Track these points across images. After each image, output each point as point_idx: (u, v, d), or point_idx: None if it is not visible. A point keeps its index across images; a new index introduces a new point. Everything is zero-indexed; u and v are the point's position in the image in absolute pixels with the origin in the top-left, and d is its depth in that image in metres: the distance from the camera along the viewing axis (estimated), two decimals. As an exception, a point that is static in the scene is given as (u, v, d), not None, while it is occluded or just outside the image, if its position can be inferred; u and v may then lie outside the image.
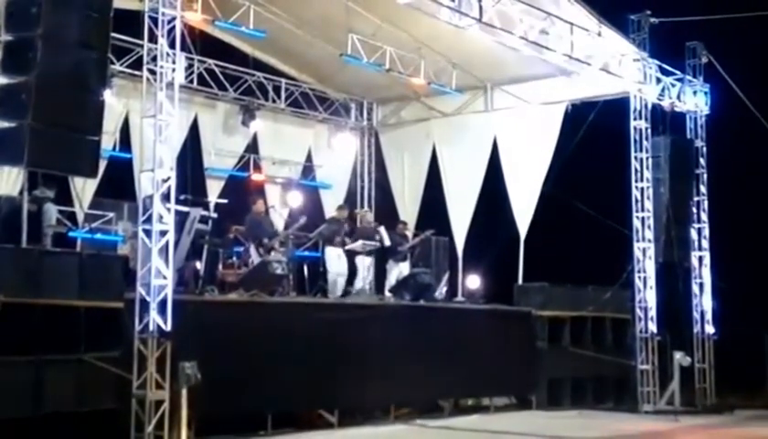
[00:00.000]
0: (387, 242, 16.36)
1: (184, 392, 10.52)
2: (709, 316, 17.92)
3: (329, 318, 13.55)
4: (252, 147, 18.73)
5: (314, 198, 19.63)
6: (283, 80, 18.89)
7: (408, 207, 19.89)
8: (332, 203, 18.79)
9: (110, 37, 10.59)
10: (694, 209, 17.98)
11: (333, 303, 14.84)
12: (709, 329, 17.84)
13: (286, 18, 16.33)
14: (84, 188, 14.57)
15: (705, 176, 18.17)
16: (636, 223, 16.93)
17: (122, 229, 14.43)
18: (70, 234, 14.07)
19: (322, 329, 13.21)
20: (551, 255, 18.44)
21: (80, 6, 10.14)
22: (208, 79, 17.39)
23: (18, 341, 9.71)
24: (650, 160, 16.99)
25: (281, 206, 18.53)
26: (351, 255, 16.00)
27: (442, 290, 17.31)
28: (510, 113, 18.68)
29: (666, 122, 17.41)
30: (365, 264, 16.12)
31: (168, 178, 10.79)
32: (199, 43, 15.14)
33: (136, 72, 14.34)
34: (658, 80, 17.34)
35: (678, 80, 17.80)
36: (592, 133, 16.98)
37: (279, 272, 14.37)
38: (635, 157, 16.96)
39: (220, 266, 14.82)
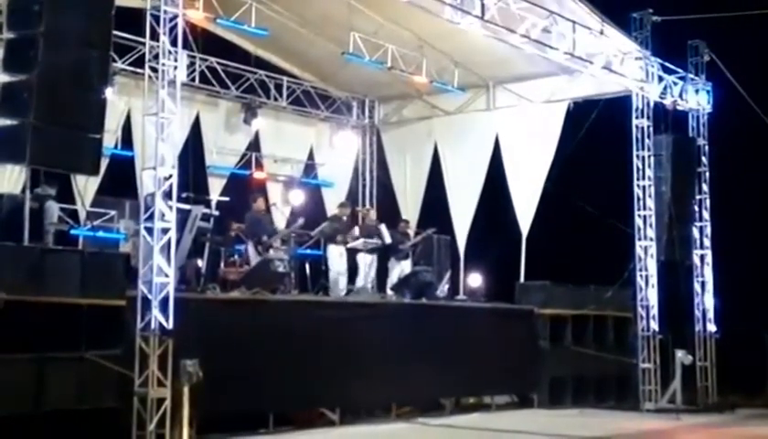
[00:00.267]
0: (387, 240, 16.35)
1: (185, 390, 10.52)
2: (710, 315, 17.91)
3: (331, 316, 13.55)
4: (254, 145, 18.73)
5: (316, 197, 19.64)
6: (285, 78, 18.89)
7: (410, 205, 19.89)
8: (334, 201, 18.80)
9: (111, 35, 10.61)
10: (696, 208, 17.97)
11: (334, 301, 14.84)
12: (711, 328, 17.84)
13: (288, 16, 16.33)
14: (86, 186, 14.52)
15: (707, 174, 18.15)
16: (638, 222, 16.92)
17: (124, 227, 14.45)
18: (72, 232, 14.06)
19: (323, 327, 13.21)
20: (553, 254, 18.44)
21: (82, 4, 10.15)
22: (209, 77, 17.39)
23: (20, 339, 9.70)
24: (652, 158, 16.99)
25: (282, 204, 18.54)
26: (352, 253, 16.00)
27: (443, 288, 17.31)
28: (512, 112, 18.69)
29: (668, 120, 17.41)
30: (366, 262, 16.11)
31: (170, 176, 10.79)
32: (201, 41, 15.14)
33: (138, 70, 14.34)
34: (660, 79, 17.33)
35: (681, 78, 17.79)
36: (594, 132, 16.97)
37: (281, 270, 14.38)
38: (637, 156, 16.95)
39: (222, 264, 14.84)
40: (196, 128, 17.38)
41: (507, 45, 15.26)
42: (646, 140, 16.97)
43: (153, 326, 10.40)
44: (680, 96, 17.76)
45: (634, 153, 16.95)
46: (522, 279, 17.87)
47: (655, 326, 16.69)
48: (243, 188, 17.79)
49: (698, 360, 17.37)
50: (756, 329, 18.21)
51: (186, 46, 11.97)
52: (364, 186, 20.64)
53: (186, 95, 14.13)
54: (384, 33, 16.35)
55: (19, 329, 9.68)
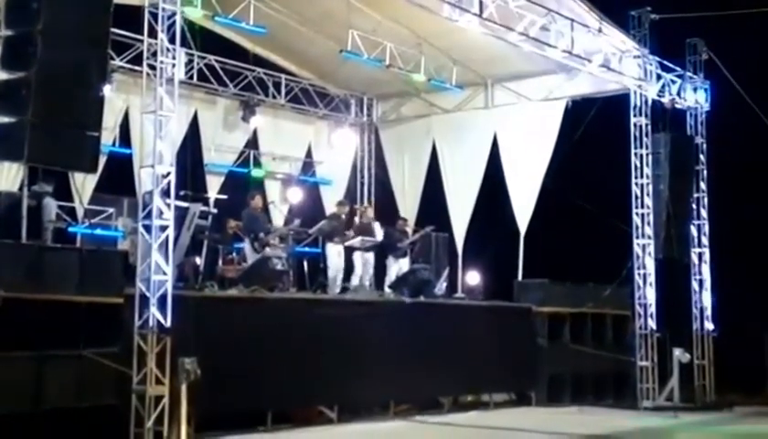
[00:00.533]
0: (379, 238, 16.33)
1: (183, 388, 10.51)
2: (708, 313, 17.94)
3: (329, 315, 13.54)
4: (252, 143, 18.73)
5: (314, 195, 19.64)
6: (283, 76, 18.88)
7: (408, 203, 19.89)
8: (332, 199, 18.80)
9: (110, 33, 10.58)
10: (694, 206, 17.98)
11: (333, 299, 14.84)
12: (709, 326, 17.86)
13: (287, 14, 16.31)
14: (84, 184, 14.50)
15: (705, 172, 18.18)
16: (636, 220, 16.94)
17: (122, 224, 14.44)
18: (70, 230, 14.05)
19: (322, 325, 13.21)
20: (551, 252, 18.45)
21: (81, 2, 10.13)
22: (208, 74, 17.37)
23: (18, 337, 9.69)
24: (650, 157, 17.00)
25: (280, 202, 18.54)
26: (349, 251, 15.99)
27: (441, 286, 17.30)
28: (510, 110, 18.70)
29: (666, 118, 17.42)
30: (362, 260, 16.08)
31: (168, 174, 10.78)
32: (199, 39, 15.12)
33: (136, 68, 14.35)
34: (659, 77, 17.35)
35: (679, 76, 17.80)
36: (593, 130, 16.98)
37: (279, 268, 14.36)
38: (635, 154, 16.97)
39: (220, 262, 14.84)
40: (194, 126, 17.37)
41: (506, 43, 15.26)
42: (644, 138, 16.99)
43: (151, 323, 10.40)
44: (678, 94, 17.78)
45: (633, 151, 16.96)
46: (520, 277, 17.88)
47: (653, 324, 16.70)
48: (241, 186, 17.77)
49: (695, 359, 17.41)
50: (754, 327, 18.23)
51: (184, 43, 11.94)
52: (362, 183, 20.65)
53: (184, 93, 14.09)
54: (382, 31, 16.35)
55: (17, 327, 9.67)
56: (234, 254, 15.07)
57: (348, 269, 16.06)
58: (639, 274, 16.84)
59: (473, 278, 18.53)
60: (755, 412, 16.16)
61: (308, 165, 19.88)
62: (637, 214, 16.95)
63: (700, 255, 18.09)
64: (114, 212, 14.85)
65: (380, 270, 16.69)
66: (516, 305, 17.04)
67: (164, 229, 10.64)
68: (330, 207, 18.27)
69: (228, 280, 14.20)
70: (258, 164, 18.80)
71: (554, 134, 17.87)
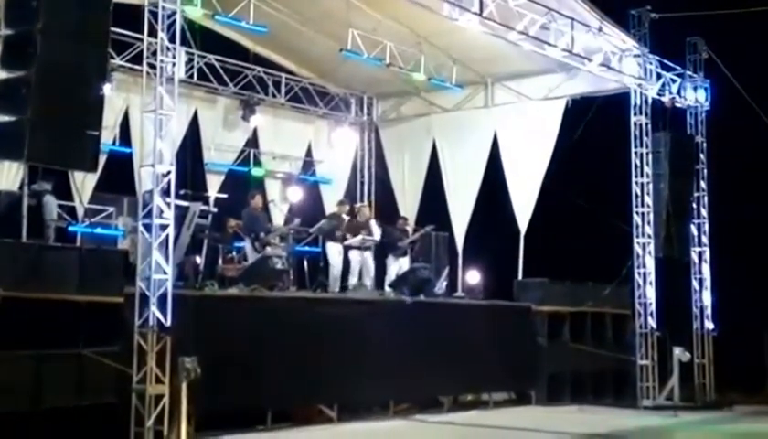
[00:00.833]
0: (376, 237, 16.33)
1: (184, 387, 10.51)
2: (708, 312, 17.94)
3: (329, 313, 13.54)
4: (252, 142, 18.72)
5: (315, 194, 19.63)
6: (283, 75, 18.88)
7: (408, 202, 19.88)
8: (332, 198, 18.80)
9: (110, 32, 10.58)
10: (694, 205, 17.98)
11: (332, 298, 14.85)
12: (709, 325, 17.86)
13: (287, 13, 16.31)
14: (84, 183, 14.50)
15: (705, 171, 18.18)
16: (636, 219, 16.94)
17: (122, 223, 14.44)
18: (70, 229, 14.08)
19: (322, 324, 13.21)
20: (551, 251, 18.45)
21: (80, 1, 10.12)
22: (208, 73, 17.37)
23: (18, 336, 9.69)
24: (650, 156, 17.00)
25: (281, 201, 18.54)
26: (346, 250, 15.99)
27: (441, 285, 17.30)
28: (510, 109, 18.70)
29: (666, 117, 17.42)
30: (359, 259, 16.05)
31: (168, 173, 10.78)
32: (199, 38, 15.12)
33: (136, 67, 14.35)
34: (659, 76, 17.36)
35: (679, 75, 17.80)
36: (593, 129, 16.97)
37: (279, 267, 14.37)
38: (635, 153, 16.98)
39: (220, 261, 14.85)
40: (194, 125, 17.37)
41: (506, 42, 15.26)
42: (645, 137, 16.99)
43: (151, 322, 10.40)
44: (678, 93, 17.78)
45: (633, 150, 16.97)
46: (520, 276, 17.88)
47: (653, 323, 16.70)
48: (241, 185, 17.77)
49: (695, 358, 17.42)
50: (754, 326, 18.23)
51: (184, 42, 11.94)
52: (362, 183, 20.64)
53: (184, 92, 14.10)
54: (382, 30, 16.34)
55: (17, 326, 9.67)
56: (234, 253, 15.08)
57: (345, 267, 16.06)
58: (639, 273, 16.84)
59: (473, 277, 18.53)
60: (755, 412, 16.16)
61: (308, 165, 19.87)
62: (637, 213, 16.95)
63: (700, 254, 18.10)
64: (114, 211, 14.86)
65: (380, 269, 16.69)
66: (515, 304, 17.05)
67: (164, 228, 10.64)
68: (330, 206, 18.27)
69: (228, 279, 14.21)
70: (258, 163, 18.80)
71: (554, 133, 17.87)
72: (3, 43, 9.97)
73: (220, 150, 18.18)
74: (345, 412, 13.64)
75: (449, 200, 19.30)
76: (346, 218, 16.41)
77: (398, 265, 16.72)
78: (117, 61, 15.15)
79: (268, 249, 14.65)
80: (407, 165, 20.12)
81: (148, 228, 10.61)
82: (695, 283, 18.05)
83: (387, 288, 16.38)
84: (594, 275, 17.56)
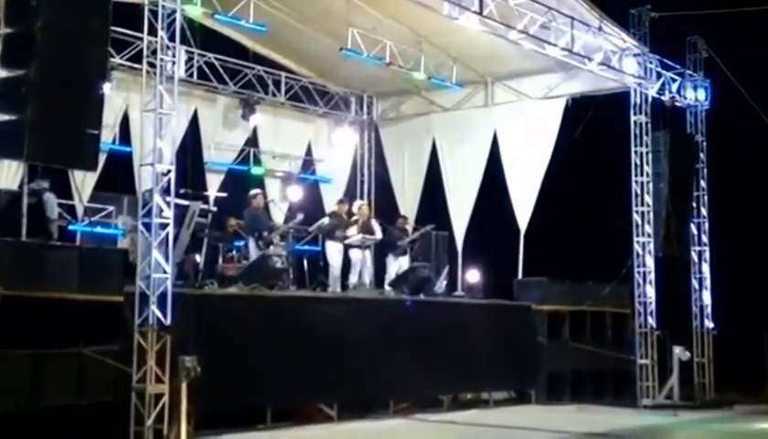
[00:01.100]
0: (378, 236, 16.34)
1: (183, 386, 10.51)
2: (708, 311, 17.94)
3: (329, 312, 13.54)
4: (252, 141, 18.70)
5: (314, 193, 19.61)
6: (283, 74, 18.86)
7: (408, 201, 19.87)
8: (332, 197, 18.78)
9: (110, 31, 10.58)
10: (694, 204, 17.98)
11: (332, 297, 14.84)
12: (709, 324, 17.86)
13: (286, 12, 16.29)
14: (84, 182, 14.50)
15: (705, 170, 18.18)
16: (636, 218, 16.94)
17: (122, 222, 14.43)
18: (70, 228, 14.07)
19: (322, 323, 13.21)
20: (551, 250, 18.45)
21: (80, 0, 10.12)
22: (208, 72, 17.35)
23: (18, 335, 9.70)
24: (650, 155, 17.00)
25: (281, 200, 18.53)
26: (347, 248, 15.99)
27: (441, 284, 17.31)
28: (510, 108, 18.68)
29: (666, 116, 17.42)
30: (359, 258, 16.05)
31: (168, 172, 10.79)
32: (199, 37, 15.11)
33: (136, 66, 14.32)
34: (659, 75, 17.36)
35: (679, 74, 17.80)
36: (593, 128, 16.97)
37: (279, 265, 14.37)
38: (635, 152, 16.97)
39: (220, 260, 14.84)
40: (194, 124, 17.35)
41: (506, 41, 15.25)
42: (645, 136, 16.99)
43: (151, 321, 10.41)
44: (678, 92, 17.78)
45: (633, 149, 16.96)
46: (520, 275, 17.87)
47: (652, 322, 16.70)
48: (241, 184, 17.77)
49: (695, 357, 17.42)
50: (754, 326, 18.23)
51: (184, 41, 11.94)
52: (362, 182, 20.62)
53: (183, 91, 14.09)
54: (382, 29, 16.33)
55: (17, 325, 9.67)
56: (234, 252, 15.07)
57: (345, 266, 16.06)
58: (639, 272, 16.84)
59: (472, 276, 18.52)
60: (755, 411, 16.15)
61: (308, 164, 19.85)
62: (637, 212, 16.95)
63: (700, 253, 18.10)
64: (114, 210, 14.84)
65: (380, 268, 16.69)
66: (515, 303, 17.05)
67: (164, 227, 10.65)
68: (330, 205, 18.26)
69: (228, 278, 14.20)
70: (258, 162, 18.79)
71: (554, 133, 17.85)
72: (3, 42, 9.97)
73: (220, 149, 18.17)
74: (344, 411, 13.64)
75: (449, 199, 19.30)
76: (347, 217, 16.42)
77: (397, 264, 16.71)
78: (117, 60, 15.13)
79: (270, 247, 14.66)
80: (407, 164, 20.10)
81: (148, 227, 10.62)
82: (695, 283, 18.06)
83: (386, 287, 16.38)
84: (594, 274, 17.56)
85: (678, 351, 16.63)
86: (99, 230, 14.34)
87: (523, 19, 14.75)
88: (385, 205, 19.43)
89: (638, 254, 16.88)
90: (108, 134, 15.07)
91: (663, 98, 17.44)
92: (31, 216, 11.29)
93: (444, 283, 17.49)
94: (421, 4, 14.03)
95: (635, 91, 17.04)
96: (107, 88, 12.75)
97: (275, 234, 15.12)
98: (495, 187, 18.65)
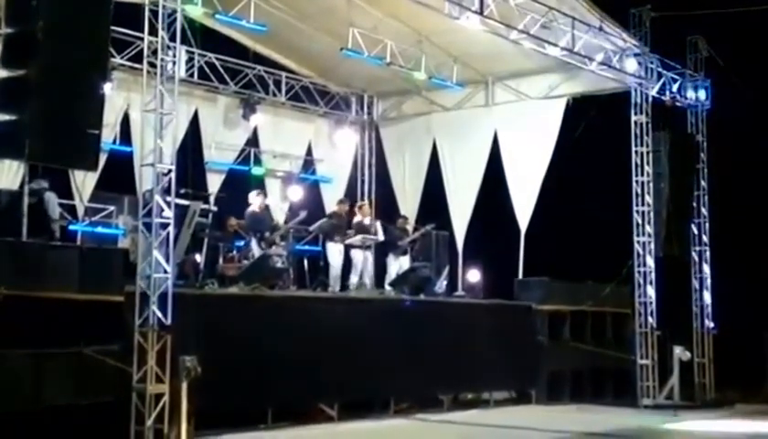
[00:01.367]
0: (380, 238, 16.34)
1: (184, 386, 10.52)
2: (708, 311, 17.94)
3: (329, 312, 13.55)
4: (253, 141, 18.69)
5: (315, 193, 19.61)
6: (284, 74, 18.86)
7: (408, 201, 19.88)
8: (332, 197, 18.78)
9: (110, 31, 10.58)
10: (694, 204, 17.98)
11: (333, 297, 14.86)
12: (709, 324, 17.86)
13: (287, 12, 16.30)
14: (84, 182, 14.50)
15: (705, 170, 18.17)
16: (637, 218, 16.93)
17: (123, 222, 14.43)
18: (71, 228, 14.07)
19: (322, 323, 13.21)
20: (552, 250, 18.44)
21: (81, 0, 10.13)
22: (208, 72, 17.35)
23: (18, 334, 9.71)
24: (650, 155, 16.99)
25: (281, 200, 18.53)
26: (348, 249, 15.99)
27: (442, 284, 17.31)
28: (511, 108, 18.67)
29: (666, 116, 17.41)
30: (361, 258, 16.07)
31: (169, 172, 10.79)
32: (200, 36, 15.11)
33: (137, 65, 14.33)
34: (659, 75, 17.35)
35: (679, 74, 17.80)
36: (593, 128, 16.97)
37: (279, 265, 14.39)
38: (636, 152, 16.97)
39: (221, 260, 14.84)
40: (194, 124, 17.34)
41: (506, 41, 15.24)
42: (645, 136, 16.98)
43: (151, 321, 10.41)
44: (679, 92, 17.78)
45: (633, 149, 16.96)
46: (521, 275, 17.87)
47: (653, 322, 16.69)
48: (242, 184, 17.77)
49: (696, 357, 17.42)
50: (754, 326, 18.22)
51: (184, 41, 11.94)
52: (362, 181, 20.62)
53: (184, 91, 14.11)
54: (383, 28, 16.33)
55: (18, 325, 9.68)
56: (234, 252, 15.07)
57: (347, 266, 16.06)
58: (639, 272, 16.83)
59: (473, 276, 18.51)
60: (756, 411, 16.15)
61: (308, 163, 19.85)
62: (638, 212, 16.94)
63: (701, 253, 18.09)
64: (115, 210, 14.84)
65: (381, 268, 16.70)
66: (516, 303, 17.05)
67: (164, 227, 10.65)
68: (330, 205, 18.26)
69: (228, 278, 14.21)
70: (258, 162, 18.79)
71: (555, 132, 17.84)
72: (3, 42, 9.98)
73: (221, 149, 18.17)
74: (345, 411, 13.63)
75: (449, 199, 19.30)
76: (347, 217, 16.43)
77: (398, 264, 16.71)
78: (117, 60, 15.14)
79: (272, 247, 14.68)
80: (407, 164, 20.11)
81: (148, 226, 10.62)
82: (695, 283, 18.05)
83: (387, 287, 16.39)
84: (595, 274, 17.55)
85: (679, 351, 16.64)
86: (99, 229, 14.35)
87: (524, 19, 14.75)
88: (385, 205, 19.42)
89: (639, 254, 16.86)
90: (108, 134, 15.08)
91: (663, 98, 17.43)
92: (32, 216, 11.28)
93: (445, 282, 17.50)
94: (421, 3, 14.02)
95: (636, 90, 17.03)
96: (107, 88, 12.75)
97: (278, 234, 15.13)
98: (495, 186, 18.65)
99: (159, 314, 10.44)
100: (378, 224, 16.58)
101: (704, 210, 18.11)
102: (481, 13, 14.13)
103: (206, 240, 14.49)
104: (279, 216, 17.55)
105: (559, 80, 17.89)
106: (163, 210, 10.66)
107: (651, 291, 16.79)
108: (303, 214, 15.91)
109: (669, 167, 17.10)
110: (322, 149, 20.09)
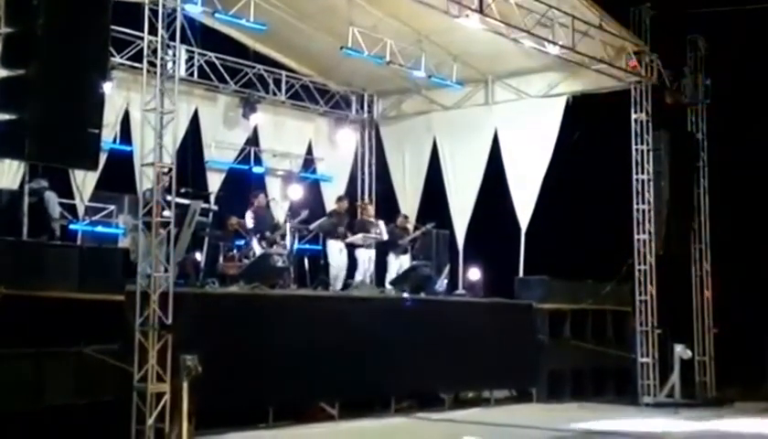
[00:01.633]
0: (384, 237, 16.35)
1: (185, 385, 10.52)
2: (709, 309, 17.92)
3: (330, 311, 13.56)
4: (253, 140, 18.69)
5: (315, 191, 19.61)
6: (284, 73, 18.86)
7: (408, 199, 19.88)
8: (332, 196, 18.75)
9: (110, 30, 10.58)
10: (694, 202, 17.96)
11: (333, 296, 14.86)
12: (710, 322, 17.84)
13: (287, 10, 16.31)
14: (84, 181, 14.56)
15: (706, 169, 18.15)
16: (637, 216, 16.93)
17: (123, 221, 14.44)
18: (71, 227, 14.08)
19: (323, 322, 13.21)
20: (552, 248, 18.42)
21: (81, -1, 10.13)
22: (208, 71, 17.35)
23: (19, 334, 9.71)
24: (650, 153, 16.99)
25: (281, 199, 18.53)
26: (351, 248, 16.00)
27: (442, 283, 17.31)
28: (511, 106, 18.67)
29: (666, 115, 17.40)
30: (365, 257, 16.10)
31: (169, 171, 10.80)
32: (200, 35, 15.10)
33: (137, 65, 14.32)
34: (659, 73, 17.33)
35: (679, 72, 17.77)
36: (593, 126, 16.97)
37: (280, 264, 14.39)
38: (636, 150, 16.97)
39: (221, 259, 14.84)
40: (194, 123, 17.33)
41: (506, 39, 15.25)
42: (645, 134, 16.98)
43: (152, 320, 10.41)
44: (679, 90, 17.76)
45: (633, 147, 16.96)
46: (521, 273, 17.88)
47: (653, 320, 16.69)
48: (242, 183, 17.77)
49: (696, 355, 17.39)
50: (755, 324, 18.21)
51: (184, 40, 11.94)
52: (363, 180, 20.62)
53: (184, 90, 14.12)
54: (383, 27, 16.34)
55: (18, 324, 9.68)
56: (235, 251, 15.08)
57: (352, 266, 16.07)
58: (640, 270, 16.83)
59: (473, 275, 18.51)
60: (756, 409, 16.15)
61: (309, 162, 19.84)
62: (638, 210, 16.94)
63: (701, 251, 18.07)
64: (115, 209, 14.84)
65: (381, 267, 16.71)
66: (516, 301, 17.04)
67: (164, 226, 10.66)
68: (331, 204, 18.26)
69: (228, 277, 14.22)
70: (258, 161, 18.79)
71: (555, 131, 17.83)
72: (3, 41, 9.97)
73: (221, 148, 18.16)
74: (346, 410, 13.64)
75: (450, 198, 19.30)
76: (347, 215, 16.43)
77: (398, 263, 16.73)
78: (117, 59, 15.13)
79: (274, 246, 14.68)
80: (407, 163, 20.10)
81: (149, 226, 10.62)
82: (695, 281, 18.04)
83: (387, 286, 16.40)
84: (595, 273, 17.54)
85: (679, 349, 16.63)
86: (100, 229, 14.36)
87: (524, 17, 14.75)
88: (386, 204, 19.43)
89: (639, 252, 16.86)
90: (109, 134, 15.07)
91: (663, 96, 17.42)
92: (32, 215, 11.30)
93: (445, 281, 17.50)
94: (421, 2, 14.02)
95: (636, 89, 17.03)
96: (108, 87, 12.75)
97: (279, 233, 15.14)
98: (495, 185, 18.64)
99: (160, 313, 10.44)
100: (382, 223, 16.59)
101: (704, 208, 18.09)
102: (481, 11, 14.13)
103: (206, 240, 14.49)
104: (280, 215, 17.53)
105: (558, 79, 17.88)
106: (163, 209, 10.67)
107: (651, 289, 16.79)
108: (305, 213, 15.91)
109: (669, 166, 17.10)
110: (322, 148, 20.09)
